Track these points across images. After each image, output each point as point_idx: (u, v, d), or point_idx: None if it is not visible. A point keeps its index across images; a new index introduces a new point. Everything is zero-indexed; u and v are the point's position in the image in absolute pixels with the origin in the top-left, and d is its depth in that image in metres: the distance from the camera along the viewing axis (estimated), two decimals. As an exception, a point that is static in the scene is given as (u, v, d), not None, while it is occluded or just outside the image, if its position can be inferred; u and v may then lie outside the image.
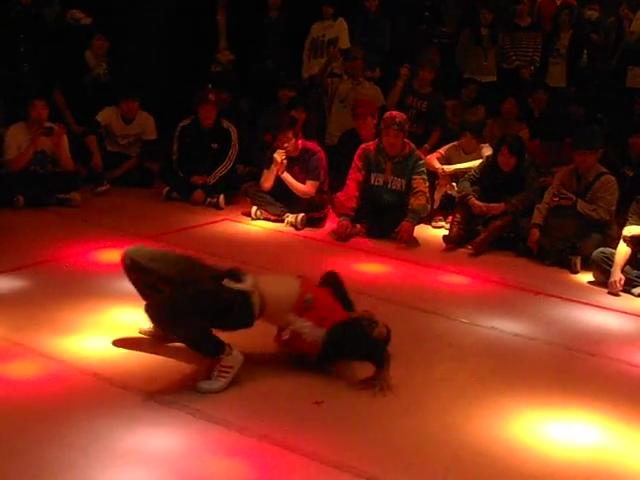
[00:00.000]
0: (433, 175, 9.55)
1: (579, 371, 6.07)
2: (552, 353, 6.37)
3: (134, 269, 5.73)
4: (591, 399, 5.58)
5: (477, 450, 4.86)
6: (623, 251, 7.84)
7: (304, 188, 9.24)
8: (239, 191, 9.95)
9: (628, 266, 7.83)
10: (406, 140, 9.09)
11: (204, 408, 5.02)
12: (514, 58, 12.17)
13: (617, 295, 7.73)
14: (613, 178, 8.52)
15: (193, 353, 5.63)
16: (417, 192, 8.93)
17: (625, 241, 7.85)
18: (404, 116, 9.15)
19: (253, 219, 9.24)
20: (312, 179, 9.24)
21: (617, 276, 7.76)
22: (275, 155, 9.16)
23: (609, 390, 5.75)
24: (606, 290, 7.81)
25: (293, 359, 5.68)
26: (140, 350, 5.81)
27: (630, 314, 7.35)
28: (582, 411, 5.42)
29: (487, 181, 9.06)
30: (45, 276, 7.12)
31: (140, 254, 5.74)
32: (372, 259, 8.25)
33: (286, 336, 5.57)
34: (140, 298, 6.68)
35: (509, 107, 10.79)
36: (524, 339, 6.54)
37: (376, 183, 9.11)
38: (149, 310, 5.37)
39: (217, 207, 9.59)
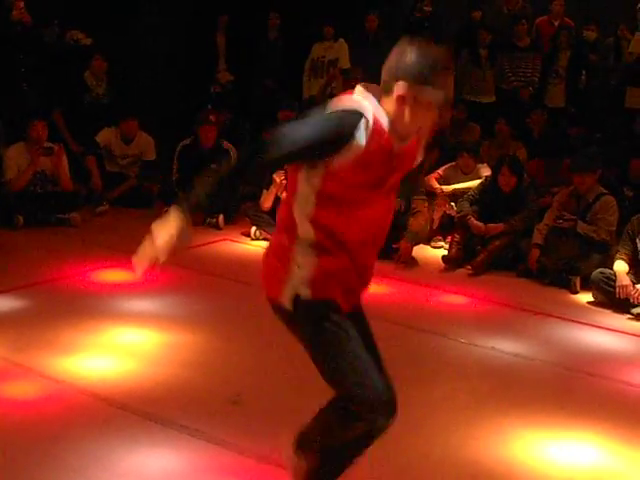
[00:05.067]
0: (432, 195, 9.56)
1: (578, 391, 6.06)
2: (551, 373, 6.36)
3: None
4: (590, 419, 5.57)
5: (477, 471, 4.85)
6: (622, 263, 7.87)
7: (303, 208, 9.23)
8: (238, 211, 9.96)
9: None
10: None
11: (203, 428, 5.02)
12: (513, 79, 12.20)
13: (631, 297, 7.72)
14: (613, 199, 8.54)
15: (192, 373, 5.66)
16: (416, 212, 8.93)
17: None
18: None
19: (252, 239, 9.25)
20: (311, 199, 9.24)
21: (625, 281, 7.77)
22: (274, 176, 9.17)
23: (608, 410, 5.73)
24: (606, 310, 7.81)
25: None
26: (139, 371, 5.81)
27: (629, 334, 7.34)
28: (581, 431, 5.41)
29: (486, 201, 9.07)
30: (44, 296, 7.12)
31: None
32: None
33: None
34: (140, 318, 6.72)
35: (500, 127, 10.80)
36: (523, 359, 6.53)
37: (375, 203, 9.09)
38: None
39: (216, 227, 9.60)
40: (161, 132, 10.80)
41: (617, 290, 7.78)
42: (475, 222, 8.93)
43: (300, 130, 3.46)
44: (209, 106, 11.09)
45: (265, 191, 9.33)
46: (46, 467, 4.52)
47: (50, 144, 9.41)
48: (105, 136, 10.44)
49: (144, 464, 4.65)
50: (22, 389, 5.42)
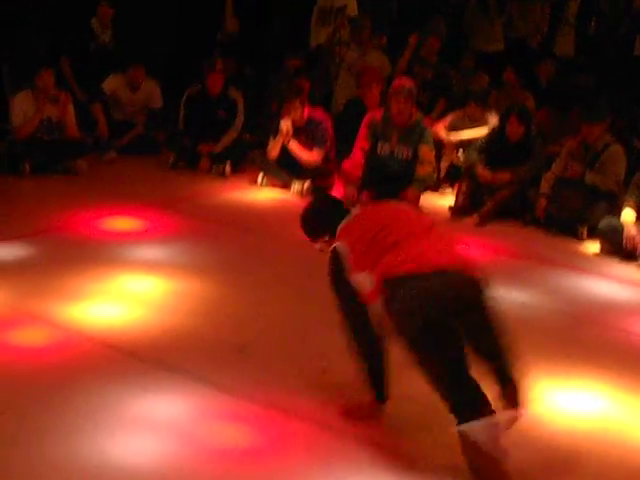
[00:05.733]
0: (439, 144, 9.53)
1: (584, 340, 6.09)
2: (558, 322, 6.38)
3: None
4: (596, 368, 5.59)
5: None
6: (630, 213, 7.87)
7: (310, 156, 9.23)
8: (245, 159, 9.94)
9: None
10: (413, 109, 9.06)
11: (210, 376, 5.05)
12: (521, 26, 12.09)
13: (636, 249, 7.72)
14: (621, 148, 8.50)
15: (199, 321, 5.71)
16: (423, 161, 8.89)
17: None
18: (413, 83, 9.12)
19: (259, 187, 9.24)
20: (318, 147, 9.23)
21: (633, 231, 7.78)
22: (281, 124, 9.14)
23: (614, 359, 5.76)
24: (613, 260, 7.81)
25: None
26: (147, 317, 5.84)
27: (636, 284, 7.34)
28: (587, 380, 5.44)
29: (494, 150, 9.02)
30: (52, 244, 7.14)
31: None
32: (378, 228, 8.24)
33: None
34: (147, 265, 6.73)
35: (509, 76, 10.72)
36: (530, 308, 6.54)
37: (382, 152, 9.07)
38: None
39: (223, 175, 9.59)
40: (168, 80, 10.75)
41: (624, 240, 7.78)
42: (482, 171, 8.90)
43: None
44: (216, 54, 11.02)
45: (272, 139, 9.30)
46: (55, 413, 4.56)
47: (57, 91, 9.37)
48: (111, 83, 10.38)
49: (152, 410, 4.69)
50: (30, 336, 5.45)
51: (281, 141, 9.21)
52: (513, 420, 4.24)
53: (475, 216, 8.72)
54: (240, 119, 9.99)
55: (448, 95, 10.86)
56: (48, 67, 9.33)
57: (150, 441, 4.41)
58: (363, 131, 9.06)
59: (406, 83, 9.00)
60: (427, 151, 8.93)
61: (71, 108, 9.47)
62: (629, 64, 11.74)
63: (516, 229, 8.61)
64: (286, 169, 9.24)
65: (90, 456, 4.23)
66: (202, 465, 4.25)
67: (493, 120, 9.57)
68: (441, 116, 10.28)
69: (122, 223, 7.77)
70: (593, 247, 8.14)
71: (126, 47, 11.11)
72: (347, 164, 9.10)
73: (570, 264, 7.69)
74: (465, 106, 9.82)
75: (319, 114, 9.40)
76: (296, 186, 9.10)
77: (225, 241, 7.57)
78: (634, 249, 7.74)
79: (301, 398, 4.90)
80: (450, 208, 8.86)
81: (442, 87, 10.91)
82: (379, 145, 9.07)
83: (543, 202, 8.52)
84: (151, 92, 10.52)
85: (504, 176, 8.84)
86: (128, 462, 4.22)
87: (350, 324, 4.52)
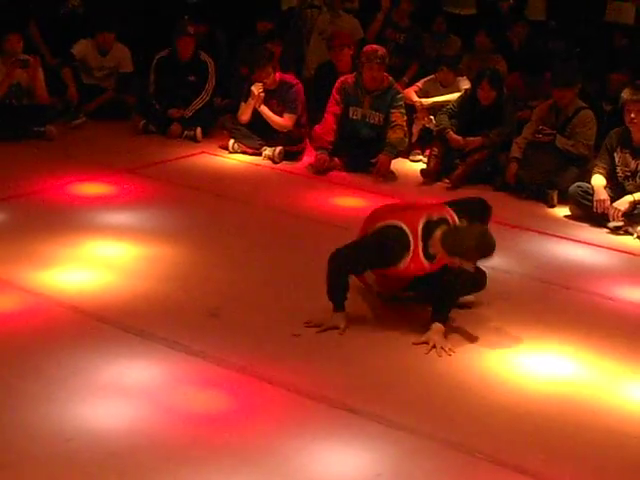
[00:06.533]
0: (411, 108, 9.52)
1: (554, 304, 6.13)
2: (527, 286, 6.41)
3: None
4: (565, 331, 5.64)
5: (451, 382, 4.93)
6: (599, 177, 7.91)
7: (282, 121, 9.20)
8: (216, 124, 9.90)
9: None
10: (385, 74, 9.04)
11: (182, 340, 5.05)
12: (493, -10, 12.07)
13: (606, 213, 7.74)
14: (591, 113, 8.52)
15: (171, 286, 5.71)
16: (395, 126, 8.90)
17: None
18: (385, 50, 9.10)
19: (230, 152, 9.20)
20: (290, 112, 9.20)
21: (603, 195, 7.80)
22: (252, 88, 9.10)
23: (583, 322, 5.81)
24: (583, 224, 7.86)
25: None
26: (118, 283, 5.83)
27: (605, 248, 7.39)
28: (556, 343, 5.49)
29: (465, 115, 9.03)
30: (21, 210, 7.10)
31: None
32: (350, 193, 8.26)
33: None
34: (118, 231, 6.71)
35: (481, 40, 10.70)
36: (500, 272, 6.54)
37: (354, 117, 9.07)
38: None
39: (194, 140, 9.53)
40: (137, 43, 10.64)
41: (594, 204, 7.82)
42: (454, 135, 8.90)
43: None
44: (186, 17, 10.93)
45: (243, 104, 9.26)
46: (26, 379, 4.56)
47: (26, 56, 9.28)
48: (81, 48, 10.27)
49: (124, 375, 4.70)
50: (0, 302, 5.42)
51: (252, 105, 9.16)
52: None
53: (446, 180, 8.74)
54: (211, 83, 9.92)
55: (420, 59, 10.85)
56: (16, 31, 9.23)
57: (122, 407, 4.42)
58: (334, 96, 9.04)
59: (378, 49, 8.97)
60: (399, 116, 8.94)
61: (40, 73, 9.38)
62: (600, 29, 11.75)
63: (487, 193, 8.53)
64: (257, 134, 9.21)
65: (62, 422, 4.23)
66: (174, 431, 4.26)
67: (465, 84, 9.56)
68: (413, 80, 10.27)
69: (92, 188, 7.74)
70: (563, 211, 8.18)
71: (95, 11, 10.99)
72: (319, 129, 9.09)
73: (540, 228, 7.72)
74: (437, 71, 9.80)
75: (290, 78, 9.36)
76: (267, 151, 9.08)
77: (196, 207, 7.55)
78: (604, 213, 7.79)
79: (274, 363, 4.92)
80: (422, 172, 8.86)
81: (414, 51, 10.90)
82: (351, 110, 9.06)
83: (514, 167, 8.54)
84: (121, 56, 10.42)
85: (475, 140, 8.86)
86: (100, 428, 4.22)
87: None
